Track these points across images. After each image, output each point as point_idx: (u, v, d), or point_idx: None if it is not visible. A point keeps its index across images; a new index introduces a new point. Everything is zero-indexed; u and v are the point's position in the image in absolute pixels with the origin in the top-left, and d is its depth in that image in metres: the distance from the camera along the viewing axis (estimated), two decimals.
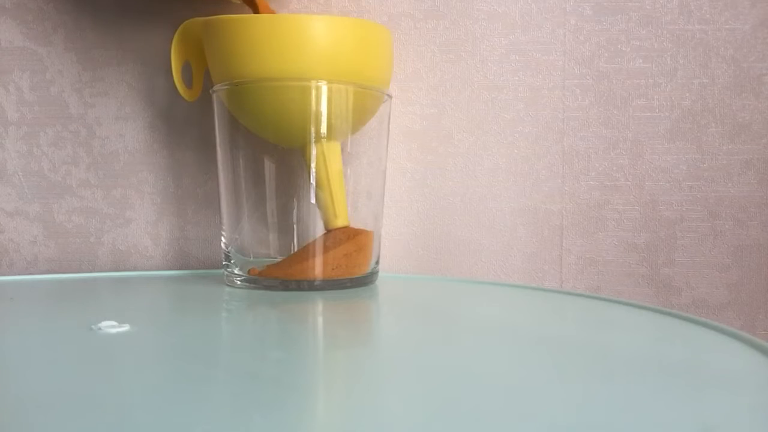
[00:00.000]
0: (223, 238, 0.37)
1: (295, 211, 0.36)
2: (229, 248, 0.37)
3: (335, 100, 0.35)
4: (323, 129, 0.35)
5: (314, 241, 0.36)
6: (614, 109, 0.44)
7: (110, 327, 0.25)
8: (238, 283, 0.36)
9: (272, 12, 0.39)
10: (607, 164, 0.44)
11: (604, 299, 0.34)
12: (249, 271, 0.36)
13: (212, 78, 0.37)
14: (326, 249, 0.35)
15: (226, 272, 0.37)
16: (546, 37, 0.44)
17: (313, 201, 0.36)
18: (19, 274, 0.45)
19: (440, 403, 0.17)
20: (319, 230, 0.36)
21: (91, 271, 0.46)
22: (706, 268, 0.44)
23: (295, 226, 0.36)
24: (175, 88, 0.39)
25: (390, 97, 0.38)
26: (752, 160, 0.44)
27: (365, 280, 0.37)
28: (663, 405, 0.17)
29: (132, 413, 0.16)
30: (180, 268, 0.46)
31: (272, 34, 0.34)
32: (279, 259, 0.36)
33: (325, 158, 0.35)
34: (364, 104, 0.37)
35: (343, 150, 0.36)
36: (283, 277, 0.35)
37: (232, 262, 0.37)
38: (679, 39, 0.44)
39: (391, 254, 0.45)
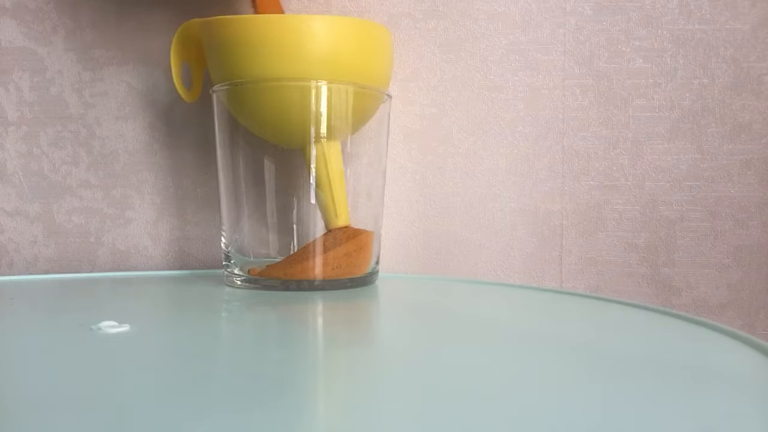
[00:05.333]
0: (223, 238, 0.37)
1: (295, 211, 0.36)
2: (229, 248, 0.37)
3: (335, 100, 0.35)
4: (323, 129, 0.35)
5: (314, 241, 0.36)
6: (614, 109, 0.44)
7: (110, 327, 0.25)
8: (238, 283, 0.36)
9: (276, 9, 0.39)
10: (607, 164, 0.44)
11: (604, 299, 0.34)
12: (249, 271, 0.36)
13: (212, 78, 0.37)
14: (326, 249, 0.35)
15: (226, 272, 0.37)
16: (546, 37, 0.44)
17: (313, 201, 0.36)
18: (19, 274, 0.45)
19: (440, 403, 0.17)
20: (319, 230, 0.36)
21: (91, 271, 0.46)
22: (706, 268, 0.44)
23: (295, 226, 0.36)
24: (175, 88, 0.39)
25: (390, 97, 0.38)
26: (752, 160, 0.44)
27: (365, 280, 0.37)
28: (663, 405, 0.17)
29: (132, 413, 0.16)
30: (180, 268, 0.46)
31: (272, 34, 0.34)
32: (279, 259, 0.36)
33: (326, 158, 0.35)
34: (364, 104, 0.37)
35: (343, 150, 0.36)
36: (283, 277, 0.35)
37: (232, 262, 0.37)
38: (679, 39, 0.44)
39: (391, 254, 0.45)
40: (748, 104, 0.44)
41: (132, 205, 0.46)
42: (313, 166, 0.35)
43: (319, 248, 0.36)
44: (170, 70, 0.39)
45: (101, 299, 0.34)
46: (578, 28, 0.44)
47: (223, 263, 0.37)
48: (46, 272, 0.46)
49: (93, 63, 0.45)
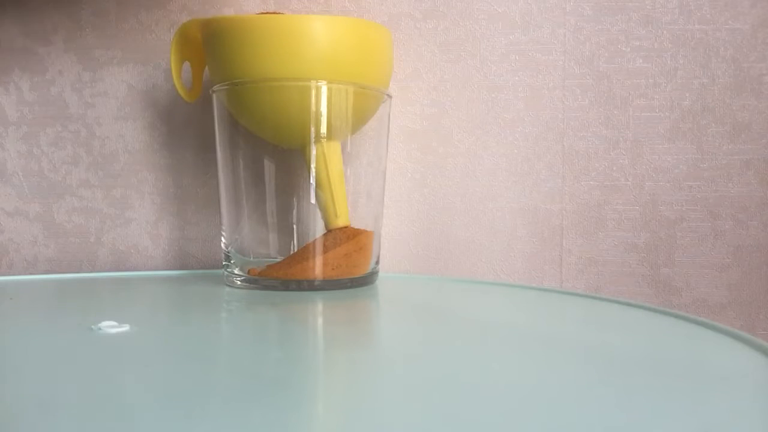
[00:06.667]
0: (223, 238, 0.37)
1: (295, 211, 0.36)
2: (229, 248, 0.37)
3: (335, 100, 0.35)
4: (323, 129, 0.35)
5: (314, 241, 0.36)
6: (614, 109, 0.44)
7: (110, 327, 0.25)
8: (238, 283, 0.36)
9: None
10: (607, 164, 0.44)
11: (604, 299, 0.34)
12: (249, 271, 0.36)
13: (212, 78, 0.37)
14: (326, 249, 0.35)
15: (226, 272, 0.37)
16: (546, 37, 0.44)
17: (313, 201, 0.36)
18: (19, 274, 0.45)
19: (440, 403, 0.17)
20: (319, 230, 0.36)
21: (91, 271, 0.46)
22: (706, 268, 0.44)
23: (295, 226, 0.36)
24: (175, 88, 0.39)
25: (390, 97, 0.38)
26: (752, 160, 0.44)
27: (365, 280, 0.37)
28: (663, 405, 0.17)
29: (132, 413, 0.16)
30: (180, 268, 0.46)
31: (272, 34, 0.34)
32: (279, 259, 0.36)
33: (326, 158, 0.35)
34: (364, 104, 0.37)
35: (343, 150, 0.36)
36: (283, 277, 0.35)
37: (232, 262, 0.37)
38: (679, 39, 0.44)
39: (391, 254, 0.45)
40: (748, 104, 0.44)
41: (132, 205, 0.46)
42: (313, 166, 0.35)
43: (319, 248, 0.36)
44: (170, 70, 0.39)
45: (101, 299, 0.34)
46: (578, 28, 0.44)
47: (223, 263, 0.37)
48: (46, 272, 0.46)
49: (93, 63, 0.45)
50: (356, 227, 0.37)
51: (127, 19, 0.45)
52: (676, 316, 0.29)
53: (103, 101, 0.45)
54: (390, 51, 0.38)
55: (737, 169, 0.44)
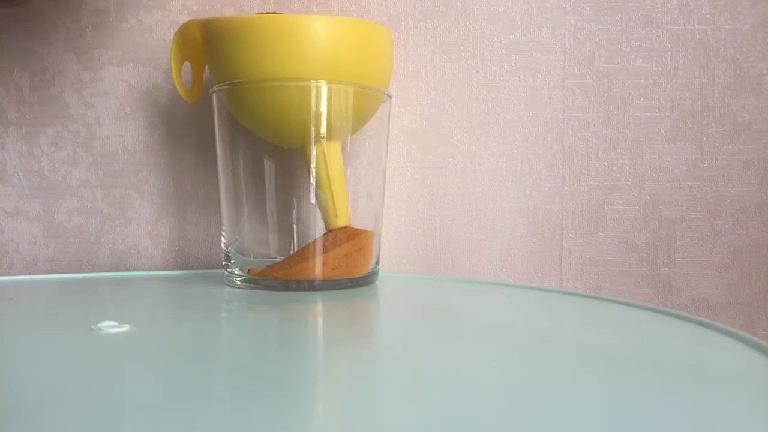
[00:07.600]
0: (223, 238, 0.37)
1: (295, 211, 0.36)
2: (229, 248, 0.37)
3: (335, 100, 0.35)
4: (323, 129, 0.35)
5: (314, 241, 0.36)
6: (614, 109, 0.44)
7: (110, 327, 0.25)
8: (238, 283, 0.36)
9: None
10: (607, 164, 0.44)
11: (604, 299, 0.34)
12: (249, 271, 0.36)
13: (212, 78, 0.37)
14: (326, 249, 0.35)
15: (226, 272, 0.37)
16: (546, 37, 0.44)
17: (313, 201, 0.36)
18: (19, 274, 0.45)
19: (440, 403, 0.17)
20: (319, 230, 0.36)
21: (91, 271, 0.46)
22: (706, 268, 0.44)
23: (295, 226, 0.36)
24: (175, 88, 0.39)
25: (390, 97, 0.38)
26: (752, 160, 0.44)
27: (365, 280, 0.37)
28: (663, 405, 0.17)
29: (132, 413, 0.16)
30: (180, 268, 0.46)
31: (272, 34, 0.34)
32: (279, 259, 0.36)
33: (326, 158, 0.35)
34: (364, 104, 0.37)
35: (343, 150, 0.36)
36: (283, 277, 0.35)
37: (232, 262, 0.37)
38: (679, 39, 0.44)
39: (391, 254, 0.45)
40: (748, 104, 0.44)
41: (132, 205, 0.46)
42: (313, 166, 0.35)
43: (319, 248, 0.36)
44: (170, 70, 0.39)
45: (101, 299, 0.34)
46: (578, 28, 0.44)
47: (223, 263, 0.37)
48: (46, 272, 0.46)
49: (93, 63, 0.45)
50: (356, 227, 0.37)
51: (127, 19, 0.45)
52: (676, 316, 0.29)
53: (103, 101, 0.45)
54: (390, 51, 0.38)
55: (737, 169, 0.44)
